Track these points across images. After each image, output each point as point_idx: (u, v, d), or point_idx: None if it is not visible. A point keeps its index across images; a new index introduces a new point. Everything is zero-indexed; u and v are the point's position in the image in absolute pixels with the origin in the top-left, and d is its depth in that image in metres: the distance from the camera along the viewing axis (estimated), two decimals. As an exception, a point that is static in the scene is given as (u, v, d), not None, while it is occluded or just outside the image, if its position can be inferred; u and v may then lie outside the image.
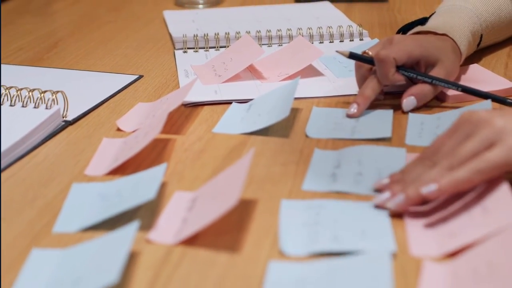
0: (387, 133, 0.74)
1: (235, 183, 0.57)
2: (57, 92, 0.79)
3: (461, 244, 0.53)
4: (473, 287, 0.48)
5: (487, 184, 0.57)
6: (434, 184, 0.57)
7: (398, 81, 0.80)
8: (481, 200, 0.57)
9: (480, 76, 0.89)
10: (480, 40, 0.92)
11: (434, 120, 0.78)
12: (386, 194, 0.60)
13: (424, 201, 0.59)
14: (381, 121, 0.77)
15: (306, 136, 0.75)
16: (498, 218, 0.54)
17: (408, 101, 0.80)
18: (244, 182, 0.56)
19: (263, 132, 0.75)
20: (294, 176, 0.66)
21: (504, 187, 0.56)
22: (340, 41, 1.06)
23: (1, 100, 0.80)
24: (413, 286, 0.50)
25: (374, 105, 0.80)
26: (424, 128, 0.76)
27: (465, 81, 0.87)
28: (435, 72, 0.81)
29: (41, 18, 1.31)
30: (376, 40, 1.01)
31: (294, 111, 0.81)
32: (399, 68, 0.80)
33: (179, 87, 0.90)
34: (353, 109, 0.78)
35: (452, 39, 0.84)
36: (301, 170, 0.67)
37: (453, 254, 0.53)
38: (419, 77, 0.80)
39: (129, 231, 0.52)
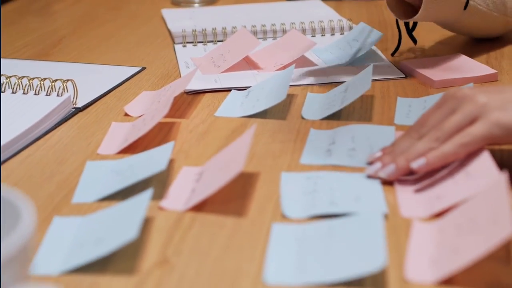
0: (367, 86, 0.77)
1: (240, 153, 0.62)
2: (67, 80, 0.84)
3: (447, 205, 0.59)
4: (456, 240, 0.53)
5: (473, 156, 0.63)
6: (423, 158, 0.63)
7: None
8: (465, 166, 0.62)
9: (464, 65, 0.94)
10: None
11: (421, 103, 0.83)
12: (377, 165, 0.65)
13: (412, 171, 0.64)
14: (363, 78, 0.81)
15: (302, 118, 0.80)
16: (479, 181, 0.59)
17: None
18: (248, 151, 0.61)
19: (262, 115, 0.80)
20: (292, 152, 0.72)
21: (485, 154, 0.62)
22: (331, 35, 1.12)
23: (14, 89, 0.85)
24: (403, 242, 0.55)
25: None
26: (412, 109, 0.82)
27: (449, 69, 0.93)
28: None
29: (43, 18, 1.36)
30: (362, 24, 1.04)
31: (290, 97, 0.86)
32: None
33: (180, 77, 0.95)
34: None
35: None
36: (298, 147, 0.73)
37: (439, 215, 0.58)
38: None
39: (145, 197, 0.57)
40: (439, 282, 0.50)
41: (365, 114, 0.81)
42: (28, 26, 1.27)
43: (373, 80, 0.89)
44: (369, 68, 0.81)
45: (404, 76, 0.93)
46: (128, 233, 0.53)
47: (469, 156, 0.63)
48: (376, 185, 0.64)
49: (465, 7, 0.92)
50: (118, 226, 0.55)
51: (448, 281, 0.50)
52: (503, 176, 0.54)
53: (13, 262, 0.34)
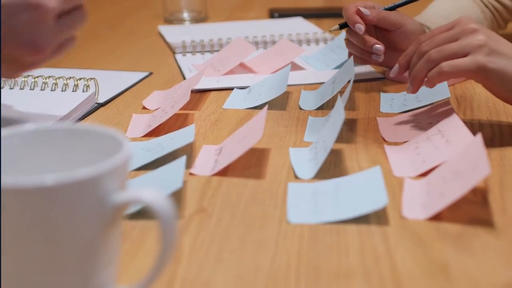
0: (352, 73, 0.87)
1: (257, 126, 0.73)
2: (90, 79, 0.95)
3: (431, 166, 0.70)
4: (442, 187, 0.65)
5: (447, 123, 0.75)
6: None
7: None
8: (444, 136, 0.74)
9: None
10: None
11: (401, 96, 0.96)
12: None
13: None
14: (346, 68, 0.92)
15: (300, 108, 0.92)
16: (458, 146, 0.71)
17: None
18: (264, 123, 0.73)
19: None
20: (295, 133, 0.83)
21: (460, 124, 0.74)
22: (316, 44, 1.24)
23: (42, 87, 0.96)
24: (398, 194, 0.67)
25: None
26: (394, 102, 0.94)
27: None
28: None
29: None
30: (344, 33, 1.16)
31: (286, 93, 0.98)
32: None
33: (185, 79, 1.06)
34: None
35: None
36: (300, 130, 0.84)
37: (425, 174, 0.70)
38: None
39: (181, 159, 0.68)
40: (429, 218, 0.62)
41: (353, 105, 0.93)
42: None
43: (355, 81, 1.01)
44: (350, 59, 0.93)
45: (383, 77, 1.05)
46: (174, 184, 0.63)
47: (448, 127, 0.75)
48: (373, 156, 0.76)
49: None
50: (164, 180, 0.66)
51: (437, 217, 0.62)
52: (479, 136, 0.66)
53: (119, 171, 0.44)
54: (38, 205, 0.42)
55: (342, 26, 1.01)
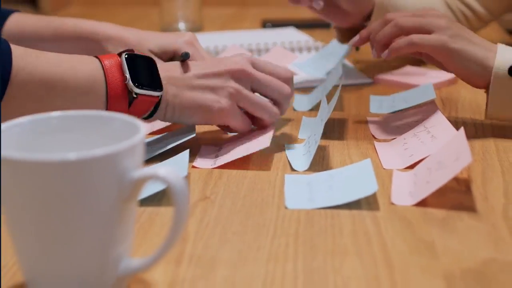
0: (340, 72, 0.93)
1: (265, 135, 0.79)
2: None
3: (418, 159, 0.76)
4: (427, 177, 0.70)
5: (433, 121, 0.81)
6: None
7: None
8: (429, 132, 0.80)
9: (423, 72, 1.13)
10: None
11: (390, 98, 1.01)
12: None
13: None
14: (335, 69, 0.98)
15: (294, 110, 0.97)
16: (442, 140, 0.76)
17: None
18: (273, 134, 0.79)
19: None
20: (290, 131, 0.89)
21: (444, 120, 0.79)
22: (308, 52, 1.30)
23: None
24: (388, 184, 0.72)
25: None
26: (383, 103, 0.99)
27: (411, 74, 1.11)
28: None
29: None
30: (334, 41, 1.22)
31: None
32: None
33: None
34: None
35: None
36: (295, 128, 0.90)
37: (412, 167, 0.75)
38: None
39: (185, 152, 0.73)
40: (416, 204, 0.67)
41: (344, 107, 0.98)
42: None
43: (345, 85, 1.07)
44: (339, 63, 0.99)
45: (372, 81, 1.11)
46: (180, 173, 0.68)
47: (433, 124, 0.80)
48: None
49: None
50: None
51: (423, 204, 0.67)
52: (462, 130, 0.71)
53: (136, 151, 0.49)
54: (62, 179, 0.47)
55: None
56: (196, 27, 1.56)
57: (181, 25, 1.55)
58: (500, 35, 1.45)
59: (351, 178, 0.71)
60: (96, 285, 0.51)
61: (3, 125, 0.52)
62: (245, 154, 0.76)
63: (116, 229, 0.50)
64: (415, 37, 0.84)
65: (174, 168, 0.49)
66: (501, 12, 1.23)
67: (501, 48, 0.84)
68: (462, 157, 0.67)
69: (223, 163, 0.77)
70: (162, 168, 0.48)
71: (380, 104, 0.99)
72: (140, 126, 0.51)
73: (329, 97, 0.84)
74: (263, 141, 0.78)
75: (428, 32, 0.84)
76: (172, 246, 0.50)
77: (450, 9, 1.18)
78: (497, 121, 0.88)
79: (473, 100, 0.97)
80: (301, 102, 1.00)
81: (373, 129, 0.88)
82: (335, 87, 0.89)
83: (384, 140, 0.84)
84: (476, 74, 0.84)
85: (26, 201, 0.48)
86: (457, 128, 0.77)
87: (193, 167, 0.77)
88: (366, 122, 0.92)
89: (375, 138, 0.86)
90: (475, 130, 0.87)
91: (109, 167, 0.48)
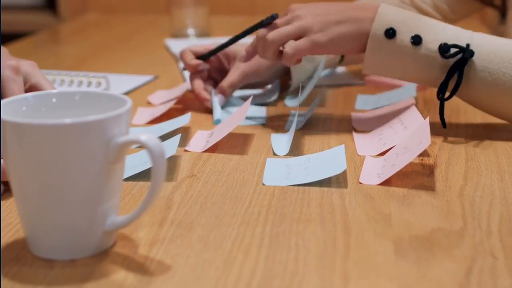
0: (321, 70, 1.00)
1: (241, 112, 0.86)
2: (102, 77, 1.08)
3: (389, 146, 0.83)
4: (395, 160, 0.77)
5: (407, 114, 0.88)
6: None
7: None
8: (402, 123, 0.87)
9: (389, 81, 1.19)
10: None
11: (375, 96, 1.08)
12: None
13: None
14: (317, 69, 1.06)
15: (285, 105, 1.05)
16: (412, 130, 0.83)
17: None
18: (248, 108, 0.86)
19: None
20: (277, 124, 0.96)
21: (416, 113, 0.86)
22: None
23: (60, 83, 1.09)
24: (359, 167, 0.79)
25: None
26: (368, 102, 1.07)
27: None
28: None
29: (51, 51, 1.61)
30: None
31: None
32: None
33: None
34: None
35: None
36: (283, 121, 0.97)
37: (383, 154, 0.82)
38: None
39: (176, 137, 0.81)
40: (381, 183, 0.74)
41: (332, 104, 1.06)
42: (47, 53, 1.52)
43: (337, 85, 1.14)
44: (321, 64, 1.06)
45: (362, 82, 1.18)
46: (169, 152, 0.76)
47: (406, 115, 0.88)
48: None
49: None
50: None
51: (388, 183, 0.74)
52: (427, 119, 0.78)
53: (122, 119, 0.57)
54: (58, 140, 0.55)
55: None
56: (205, 33, 1.64)
57: (190, 31, 1.63)
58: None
59: (325, 161, 0.78)
60: (86, 237, 0.59)
61: (11, 98, 0.60)
62: (229, 130, 0.84)
63: (104, 187, 0.58)
64: (288, 50, 0.88)
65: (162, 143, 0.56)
66: (465, 13, 1.22)
67: (382, 8, 0.88)
68: (424, 141, 0.74)
69: (211, 145, 0.84)
70: (144, 135, 0.56)
71: (365, 102, 1.06)
72: (127, 101, 0.59)
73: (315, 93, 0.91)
74: (239, 118, 0.86)
75: (299, 36, 0.88)
76: (151, 204, 0.58)
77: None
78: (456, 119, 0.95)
79: (452, 101, 1.04)
80: (290, 100, 1.08)
81: (354, 122, 0.96)
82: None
83: (363, 131, 0.92)
84: (356, 47, 0.89)
85: (28, 161, 0.55)
86: (432, 124, 0.84)
87: (185, 150, 0.85)
88: (350, 117, 0.99)
89: (355, 130, 0.93)
90: (449, 126, 0.93)
91: (98, 131, 0.56)
